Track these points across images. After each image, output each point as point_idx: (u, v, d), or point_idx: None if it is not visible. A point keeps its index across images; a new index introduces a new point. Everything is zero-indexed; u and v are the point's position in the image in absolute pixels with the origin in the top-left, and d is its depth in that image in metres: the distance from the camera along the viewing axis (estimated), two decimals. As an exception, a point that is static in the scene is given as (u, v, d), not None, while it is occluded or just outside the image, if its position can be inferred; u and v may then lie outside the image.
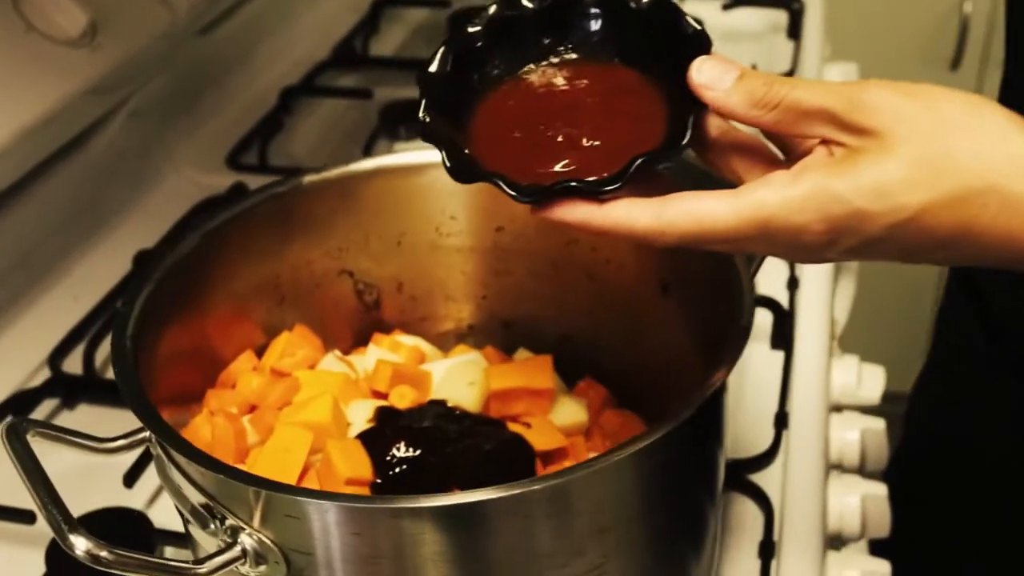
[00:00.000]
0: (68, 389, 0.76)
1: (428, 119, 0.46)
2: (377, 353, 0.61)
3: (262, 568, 0.44)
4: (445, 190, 0.63)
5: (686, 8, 0.46)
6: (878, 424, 0.78)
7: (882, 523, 0.74)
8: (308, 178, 0.61)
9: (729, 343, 0.46)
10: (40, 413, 0.75)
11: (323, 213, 0.62)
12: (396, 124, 1.05)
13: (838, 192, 0.39)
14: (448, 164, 0.45)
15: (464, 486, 0.50)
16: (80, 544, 0.40)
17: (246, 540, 0.44)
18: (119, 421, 0.51)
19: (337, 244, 0.63)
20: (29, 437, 0.45)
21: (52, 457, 0.69)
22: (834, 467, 0.75)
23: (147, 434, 0.50)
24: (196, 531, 0.47)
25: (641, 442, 0.42)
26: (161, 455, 0.47)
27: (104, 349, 0.80)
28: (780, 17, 1.19)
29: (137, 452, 0.69)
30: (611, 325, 0.64)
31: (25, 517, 0.65)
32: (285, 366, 0.58)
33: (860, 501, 0.72)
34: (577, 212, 0.42)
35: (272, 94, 1.09)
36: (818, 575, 0.63)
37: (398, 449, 0.52)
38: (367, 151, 1.00)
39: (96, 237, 0.93)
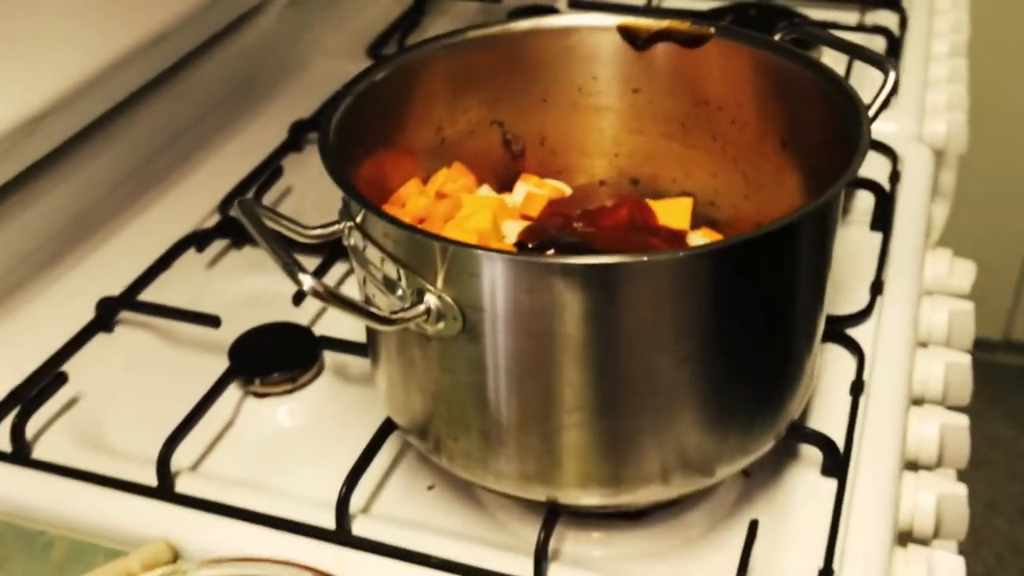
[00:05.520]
0: (236, 232, 0.87)
1: None
2: (525, 188, 0.70)
3: (440, 325, 0.53)
4: (589, 53, 0.71)
5: None
6: (966, 306, 0.85)
7: (963, 392, 0.80)
8: (472, 33, 0.69)
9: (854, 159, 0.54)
10: (212, 251, 0.86)
11: (483, 66, 0.70)
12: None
13: None
14: None
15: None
16: (307, 281, 0.50)
17: (431, 300, 0.53)
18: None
19: (492, 96, 0.72)
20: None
21: (228, 285, 0.80)
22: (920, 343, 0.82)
23: (341, 226, 0.59)
24: (381, 299, 0.56)
25: (782, 222, 0.50)
26: (358, 236, 0.56)
27: (268, 199, 0.90)
28: None
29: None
30: (730, 181, 0.71)
31: (211, 322, 0.75)
32: (448, 190, 0.67)
33: (944, 368, 0.79)
34: None
35: (411, -6, 1.18)
36: (903, 416, 0.71)
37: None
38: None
39: (252, 111, 1.03)
